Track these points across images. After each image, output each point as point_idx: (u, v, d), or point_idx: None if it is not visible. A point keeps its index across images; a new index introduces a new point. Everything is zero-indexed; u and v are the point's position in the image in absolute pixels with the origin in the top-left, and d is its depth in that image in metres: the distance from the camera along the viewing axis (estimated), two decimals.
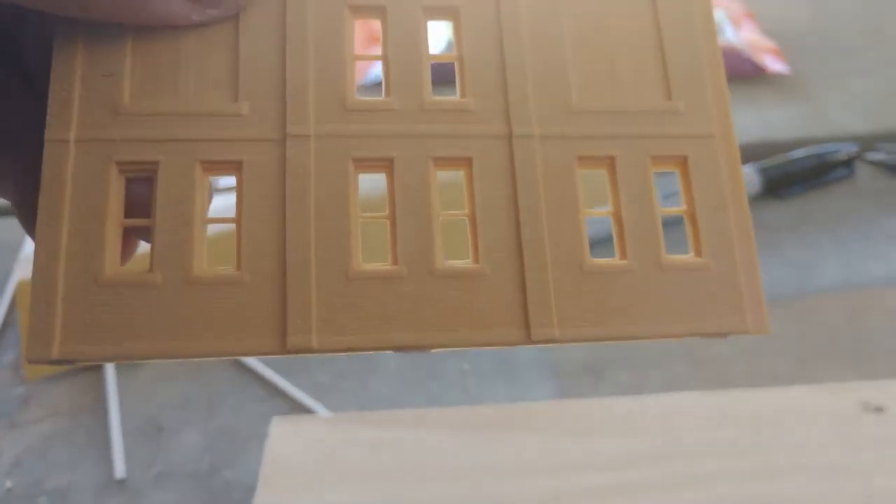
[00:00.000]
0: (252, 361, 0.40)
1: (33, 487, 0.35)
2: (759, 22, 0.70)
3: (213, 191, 0.17)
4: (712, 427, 0.32)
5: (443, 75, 0.19)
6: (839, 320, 0.42)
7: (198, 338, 0.15)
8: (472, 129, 0.17)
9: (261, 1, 0.17)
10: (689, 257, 0.17)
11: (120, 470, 0.35)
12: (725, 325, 0.16)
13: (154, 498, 0.34)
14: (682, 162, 0.17)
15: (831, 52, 0.69)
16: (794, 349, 0.40)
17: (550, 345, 0.16)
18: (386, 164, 0.17)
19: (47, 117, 0.16)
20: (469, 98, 0.17)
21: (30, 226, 0.16)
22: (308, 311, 0.16)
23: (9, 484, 0.35)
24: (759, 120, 0.59)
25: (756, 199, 0.50)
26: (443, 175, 0.17)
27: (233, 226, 0.16)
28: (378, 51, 0.18)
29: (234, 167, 0.16)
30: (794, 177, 0.51)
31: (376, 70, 0.68)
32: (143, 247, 0.17)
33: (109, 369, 0.40)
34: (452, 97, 0.17)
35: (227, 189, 0.17)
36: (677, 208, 0.17)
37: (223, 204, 0.18)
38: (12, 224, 0.47)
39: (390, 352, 0.16)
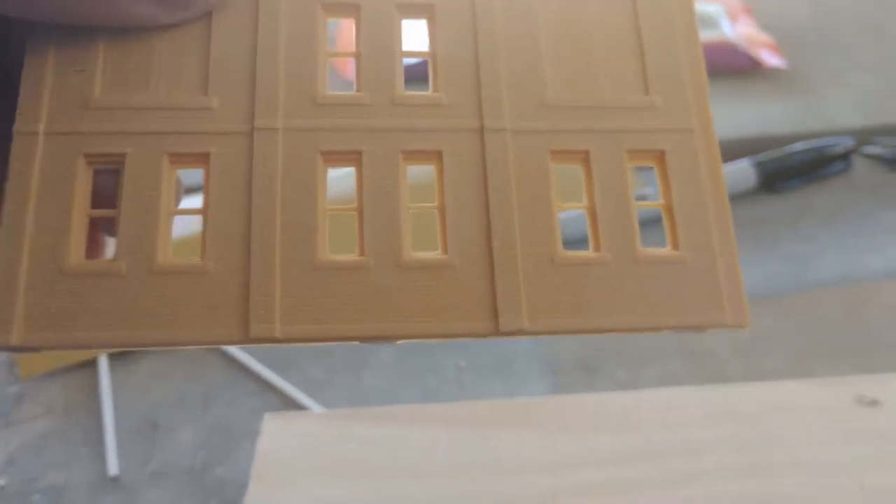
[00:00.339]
0: (247, 357, 0.40)
1: (27, 485, 0.35)
2: (757, 16, 0.70)
3: (181, 193, 0.17)
4: (708, 423, 0.32)
5: (417, 74, 0.19)
6: (837, 315, 0.42)
7: (161, 327, 0.15)
8: (443, 123, 0.17)
9: (234, 1, 0.17)
10: (665, 251, 0.17)
11: (114, 467, 0.35)
12: (704, 319, 0.16)
13: (148, 495, 0.34)
14: (660, 156, 0.17)
15: (829, 47, 0.69)
16: (791, 344, 0.40)
17: (523, 337, 0.16)
18: (355, 158, 0.17)
19: (17, 110, 0.16)
20: (441, 93, 0.17)
21: None
22: (272, 301, 0.16)
23: (2, 482, 0.35)
24: (755, 114, 0.59)
25: (752, 194, 0.50)
26: (421, 173, 0.17)
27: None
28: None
29: (202, 160, 0.16)
30: (790, 171, 0.51)
31: None
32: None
33: (104, 367, 0.40)
34: (425, 92, 0.17)
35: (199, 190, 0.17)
36: (654, 202, 0.17)
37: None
38: None
39: (356, 342, 0.16)
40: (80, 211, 0.16)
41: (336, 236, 0.17)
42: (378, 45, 0.17)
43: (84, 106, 0.16)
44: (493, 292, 0.16)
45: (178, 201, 0.17)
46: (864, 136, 0.54)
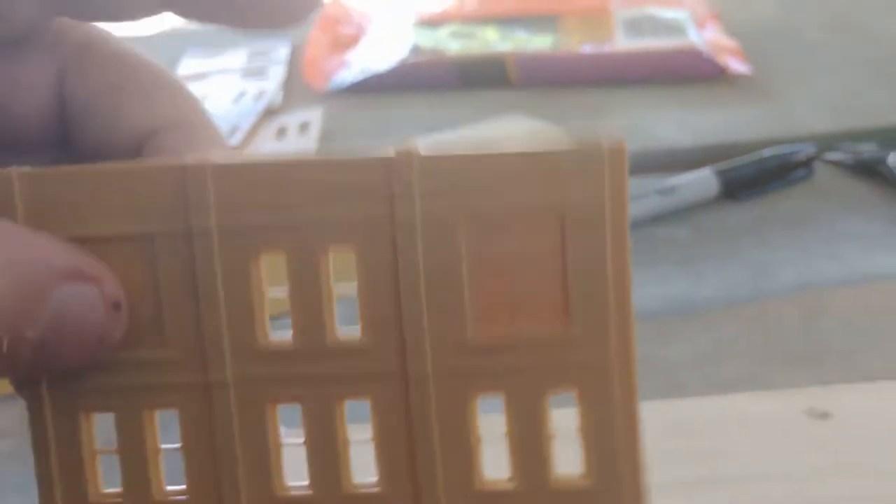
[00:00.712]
0: None
1: None
2: (724, 22, 0.70)
3: None
4: (657, 438, 0.32)
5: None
6: (794, 323, 0.42)
7: None
8: (370, 367, 0.18)
9: (172, 244, 0.18)
10: (575, 478, 0.18)
11: None
12: None
13: None
14: (576, 389, 0.18)
15: (795, 50, 0.69)
16: (748, 353, 0.40)
17: None
18: (299, 401, 0.18)
19: None
20: (366, 336, 0.18)
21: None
22: None
23: None
24: (719, 121, 0.59)
25: (715, 203, 0.50)
26: None
27: None
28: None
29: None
30: (753, 179, 0.51)
31: (342, 76, 0.68)
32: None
33: None
34: (352, 334, 0.18)
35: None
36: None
37: None
38: None
39: None
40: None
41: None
42: (308, 285, 0.18)
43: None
44: None
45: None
46: (829, 141, 0.55)
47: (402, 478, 0.18)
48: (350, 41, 0.73)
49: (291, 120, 0.63)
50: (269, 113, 0.64)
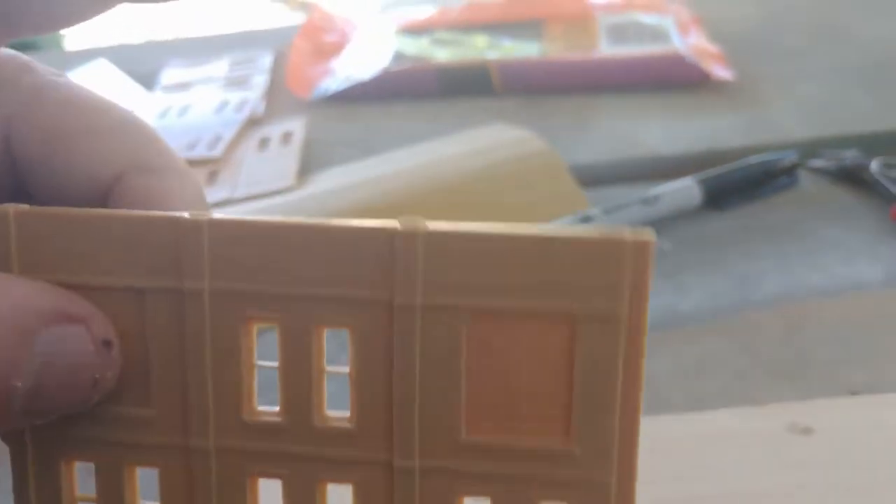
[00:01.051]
0: None
1: None
2: (707, 27, 0.70)
3: None
4: (643, 454, 0.32)
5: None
6: (778, 335, 0.42)
7: None
8: (356, 454, 0.17)
9: (162, 301, 0.17)
10: None
11: None
12: None
13: None
14: None
15: (778, 56, 0.69)
16: (732, 367, 0.40)
17: None
18: (280, 477, 0.18)
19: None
20: (355, 423, 0.17)
21: None
22: None
23: None
24: (703, 129, 0.59)
25: (697, 212, 0.50)
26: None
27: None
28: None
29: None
30: (736, 187, 0.51)
31: (325, 84, 0.67)
32: None
33: None
34: (341, 419, 0.17)
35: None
36: None
37: None
38: None
39: None
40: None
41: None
42: (299, 361, 0.17)
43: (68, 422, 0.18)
44: None
45: None
46: (812, 148, 0.54)
47: None
48: (334, 49, 0.73)
49: (274, 130, 0.62)
50: (252, 122, 0.64)
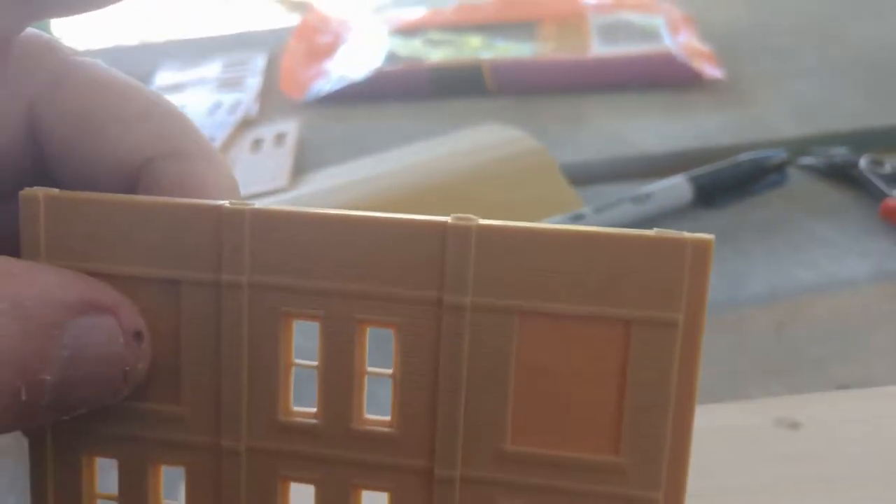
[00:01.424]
0: None
1: None
2: (698, 27, 0.71)
3: None
4: None
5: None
6: (768, 331, 0.42)
7: None
8: (394, 461, 0.16)
9: (198, 294, 0.17)
10: None
11: None
12: None
13: None
14: None
15: (769, 55, 0.69)
16: (724, 363, 0.40)
17: None
18: (313, 481, 0.17)
19: None
20: (396, 427, 0.16)
21: None
22: None
23: None
24: (694, 127, 0.59)
25: (688, 210, 0.50)
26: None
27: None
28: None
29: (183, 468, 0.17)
30: (726, 185, 0.51)
31: (319, 85, 0.68)
32: None
33: None
34: (381, 422, 0.17)
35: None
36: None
37: None
38: None
39: None
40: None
41: None
42: (339, 361, 0.16)
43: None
44: None
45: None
46: (802, 145, 0.55)
47: None
48: (327, 51, 0.73)
49: (267, 131, 0.63)
50: (246, 124, 0.64)
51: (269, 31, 0.87)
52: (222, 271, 0.16)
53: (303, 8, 0.86)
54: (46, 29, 0.70)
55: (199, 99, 0.68)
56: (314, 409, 0.17)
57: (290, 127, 0.63)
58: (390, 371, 0.16)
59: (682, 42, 0.67)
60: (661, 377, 0.15)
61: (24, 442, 0.18)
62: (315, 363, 0.17)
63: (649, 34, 0.68)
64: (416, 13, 0.77)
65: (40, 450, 0.18)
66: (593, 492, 0.16)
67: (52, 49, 0.18)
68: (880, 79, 0.64)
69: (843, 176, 0.52)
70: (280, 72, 0.71)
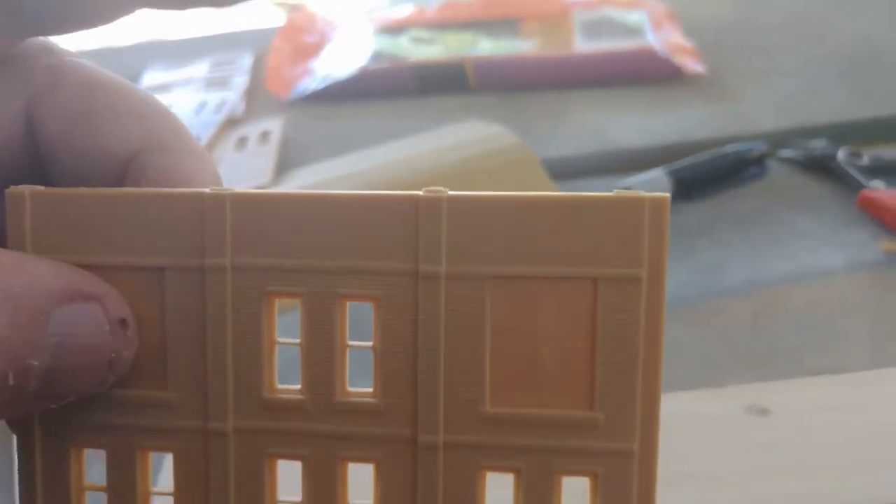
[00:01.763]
0: None
1: None
2: (682, 22, 0.71)
3: None
4: None
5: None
6: (744, 321, 0.43)
7: None
8: (379, 431, 0.17)
9: (182, 279, 0.17)
10: None
11: None
12: None
13: None
14: (592, 476, 0.17)
15: (752, 50, 0.70)
16: (700, 353, 0.41)
17: None
18: (299, 458, 0.17)
19: None
20: (378, 398, 0.17)
21: None
22: None
23: None
24: (675, 122, 0.60)
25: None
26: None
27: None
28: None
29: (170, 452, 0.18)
30: (705, 178, 0.51)
31: (304, 84, 0.68)
32: None
33: None
34: (364, 394, 0.17)
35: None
36: None
37: None
38: None
39: None
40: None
41: None
42: (321, 336, 0.17)
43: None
44: None
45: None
46: (782, 138, 0.55)
47: None
48: (313, 50, 0.73)
49: (252, 129, 0.63)
50: (232, 122, 0.65)
51: (255, 31, 0.87)
52: (205, 256, 0.17)
53: (290, 7, 0.86)
54: None
55: (186, 98, 0.69)
56: (298, 387, 0.17)
57: (275, 125, 0.63)
58: (370, 343, 0.17)
59: (665, 38, 0.68)
60: (628, 331, 0.16)
61: (12, 438, 0.18)
62: (297, 341, 0.17)
63: (632, 30, 0.69)
64: (401, 11, 0.77)
65: (28, 443, 0.18)
66: (572, 448, 0.16)
67: (49, 50, 0.19)
68: (859, 73, 0.64)
69: (821, 168, 0.52)
70: (266, 70, 0.71)
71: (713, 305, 0.44)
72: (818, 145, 0.53)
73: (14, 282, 0.15)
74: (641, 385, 0.16)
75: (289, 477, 0.18)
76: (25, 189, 0.17)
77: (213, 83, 0.71)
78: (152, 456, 0.18)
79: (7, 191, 0.17)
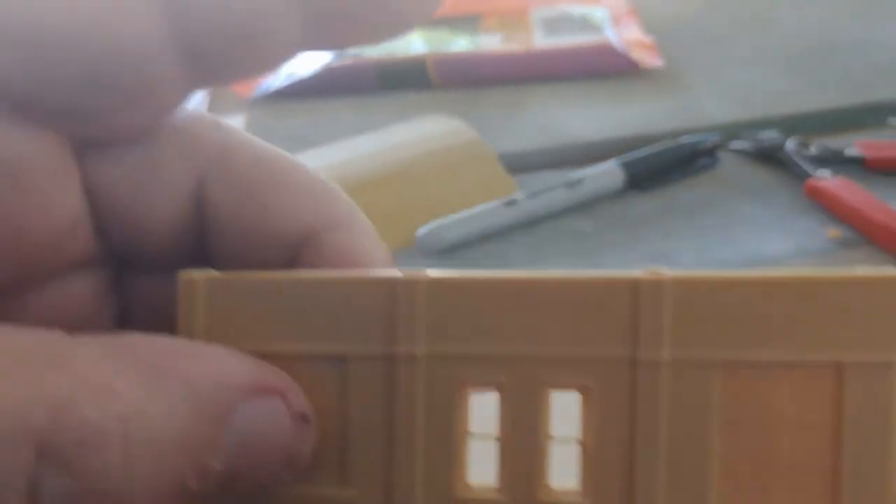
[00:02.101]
0: None
1: None
2: (642, 18, 0.72)
3: None
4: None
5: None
6: None
7: None
8: None
9: (368, 369, 0.16)
10: None
11: None
12: None
13: None
14: None
15: (707, 44, 0.71)
16: None
17: None
18: None
19: None
20: (590, 497, 0.15)
21: None
22: None
23: None
24: (631, 115, 0.61)
25: (620, 194, 0.52)
26: None
27: None
28: None
29: None
30: (657, 169, 0.52)
31: (267, 82, 0.69)
32: None
33: None
34: (570, 493, 0.16)
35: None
36: None
37: None
38: None
39: None
40: None
41: None
42: (522, 429, 0.15)
43: None
44: None
45: None
46: (734, 129, 0.56)
47: None
48: None
49: None
50: None
51: None
52: (396, 343, 0.16)
53: None
54: None
55: None
56: (494, 484, 0.16)
57: (237, 123, 0.64)
58: (575, 436, 0.16)
59: (623, 33, 0.69)
60: (880, 424, 0.14)
61: None
62: (494, 433, 0.16)
63: (591, 26, 0.70)
64: None
65: None
66: None
67: (219, 127, 0.19)
68: (812, 65, 0.66)
69: (770, 158, 0.53)
70: None
71: None
72: (768, 136, 0.54)
73: (197, 373, 0.14)
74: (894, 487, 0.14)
75: None
76: (198, 274, 0.16)
77: None
78: None
79: (179, 275, 0.16)
